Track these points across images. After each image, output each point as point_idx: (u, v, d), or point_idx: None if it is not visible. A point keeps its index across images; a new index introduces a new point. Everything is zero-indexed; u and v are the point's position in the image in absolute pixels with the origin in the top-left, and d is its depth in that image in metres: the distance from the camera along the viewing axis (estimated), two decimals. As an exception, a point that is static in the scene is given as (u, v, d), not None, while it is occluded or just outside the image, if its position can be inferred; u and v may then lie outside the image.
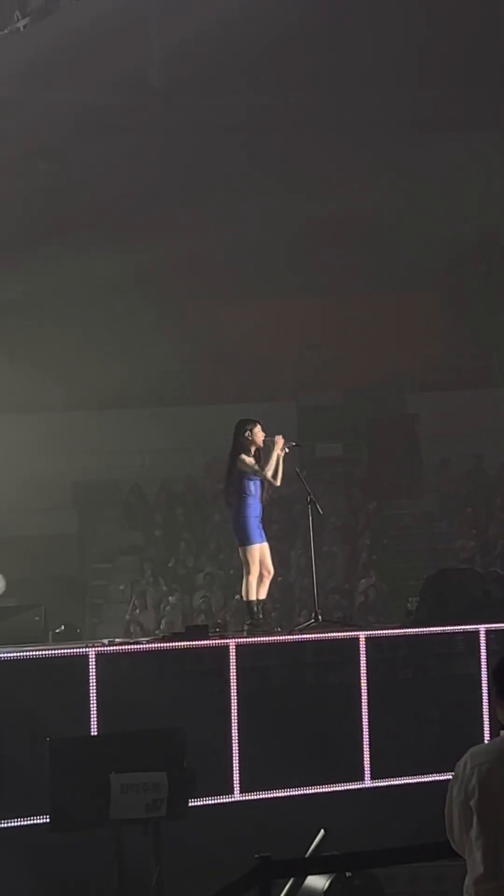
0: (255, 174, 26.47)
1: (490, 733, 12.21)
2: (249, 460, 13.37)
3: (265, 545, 13.46)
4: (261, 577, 13.37)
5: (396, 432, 27.56)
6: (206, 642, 12.27)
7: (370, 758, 12.29)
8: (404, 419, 27.28)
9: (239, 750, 11.81)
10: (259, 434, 13.52)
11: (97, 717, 11.32)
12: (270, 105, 27.59)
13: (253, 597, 13.35)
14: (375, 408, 27.78)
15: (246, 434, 13.47)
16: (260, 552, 13.37)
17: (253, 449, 13.47)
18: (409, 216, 27.06)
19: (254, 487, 13.38)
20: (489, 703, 12.28)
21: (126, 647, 12.38)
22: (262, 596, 13.50)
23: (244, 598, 13.53)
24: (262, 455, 13.46)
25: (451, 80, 27.09)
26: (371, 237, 27.07)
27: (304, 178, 26.52)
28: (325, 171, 26.45)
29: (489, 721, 12.49)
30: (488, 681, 12.48)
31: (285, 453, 13.45)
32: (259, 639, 12.60)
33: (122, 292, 26.72)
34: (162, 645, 12.33)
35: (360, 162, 26.56)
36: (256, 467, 13.33)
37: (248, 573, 13.32)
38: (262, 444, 13.52)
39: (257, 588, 13.36)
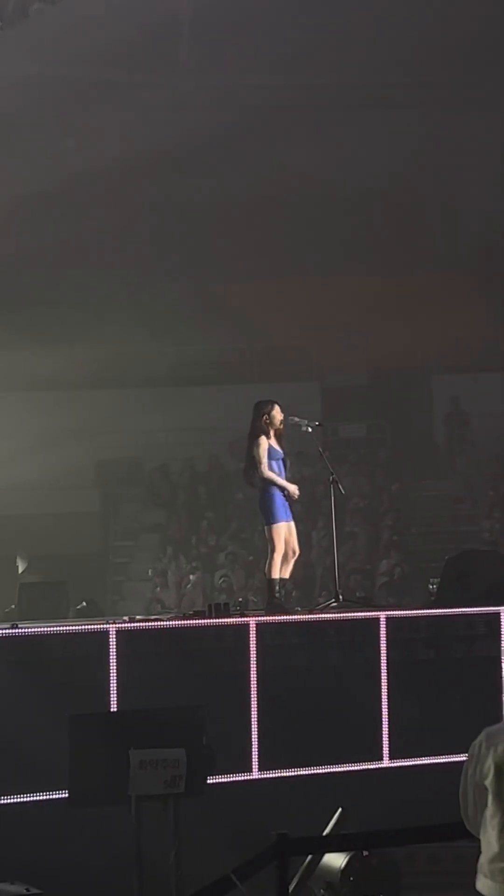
0: (287, 155, 26.39)
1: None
2: (262, 449, 13.34)
3: (291, 524, 13.47)
4: (285, 555, 13.38)
5: (421, 413, 27.52)
6: (226, 620, 12.28)
7: (389, 738, 12.31)
8: (445, 401, 27.12)
9: (258, 728, 11.83)
10: (278, 415, 13.51)
11: (117, 694, 11.34)
12: (302, 84, 27.49)
13: (276, 575, 13.36)
14: (400, 389, 27.71)
15: (264, 417, 13.47)
16: (286, 530, 13.39)
17: (272, 430, 13.47)
18: (442, 196, 26.96)
19: (277, 467, 13.39)
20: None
21: (147, 623, 12.40)
22: (286, 575, 13.51)
23: (267, 577, 13.54)
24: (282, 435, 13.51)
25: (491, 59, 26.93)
26: (401, 217, 26.98)
27: (339, 158, 26.42)
28: (358, 151, 26.37)
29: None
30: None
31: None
32: (280, 617, 12.61)
33: (149, 272, 26.68)
34: (182, 622, 12.33)
35: (396, 143, 26.46)
36: (264, 461, 13.29)
37: (274, 551, 13.32)
38: (280, 426, 13.52)
39: (281, 567, 13.37)
